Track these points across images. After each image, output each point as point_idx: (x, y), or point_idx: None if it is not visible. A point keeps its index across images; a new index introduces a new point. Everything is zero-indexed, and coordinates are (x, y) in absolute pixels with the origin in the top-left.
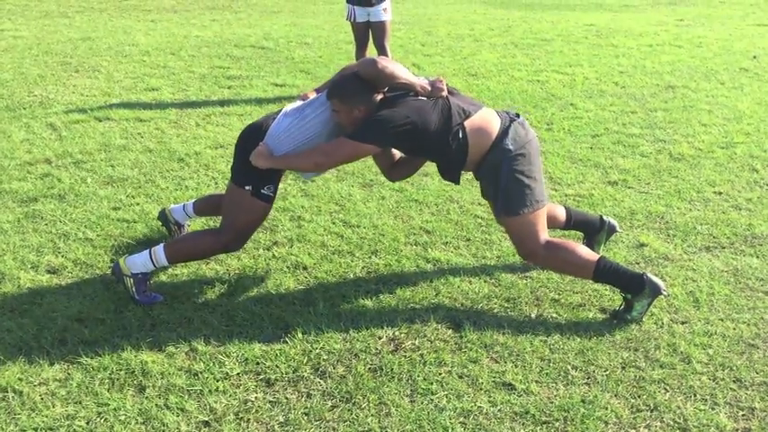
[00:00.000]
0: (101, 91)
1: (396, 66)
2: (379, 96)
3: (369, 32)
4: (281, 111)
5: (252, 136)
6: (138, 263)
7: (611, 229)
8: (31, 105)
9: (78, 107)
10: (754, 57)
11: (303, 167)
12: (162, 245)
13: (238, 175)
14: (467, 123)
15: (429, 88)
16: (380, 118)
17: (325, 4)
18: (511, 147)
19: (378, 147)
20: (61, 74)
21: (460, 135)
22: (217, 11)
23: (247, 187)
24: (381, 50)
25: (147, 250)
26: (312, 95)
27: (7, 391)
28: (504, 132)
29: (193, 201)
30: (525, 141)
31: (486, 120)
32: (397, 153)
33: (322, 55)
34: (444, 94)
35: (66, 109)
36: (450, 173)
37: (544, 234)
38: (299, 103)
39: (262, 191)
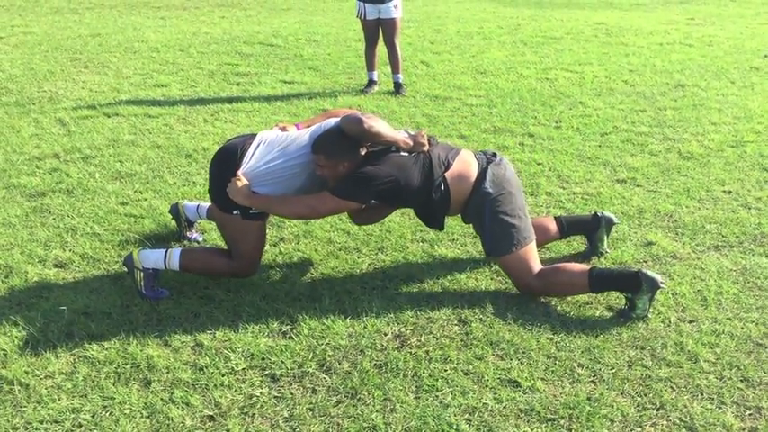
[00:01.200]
0: (110, 87)
1: (380, 124)
2: (363, 151)
3: (379, 30)
4: (254, 135)
5: (227, 161)
6: (151, 259)
7: (609, 223)
8: (41, 101)
9: (87, 103)
10: (765, 56)
11: (284, 215)
12: (179, 251)
13: (220, 201)
14: (447, 175)
15: (411, 143)
16: (364, 176)
17: (334, 2)
18: (490, 190)
19: (361, 203)
20: (71, 70)
21: (442, 187)
22: (226, 8)
23: (235, 212)
24: (391, 47)
25: (164, 250)
26: (291, 128)
27: (14, 384)
28: (482, 176)
29: (208, 205)
30: (504, 181)
31: (465, 164)
32: None
33: (330, 52)
34: (426, 149)
35: (75, 105)
36: (433, 222)
37: (536, 266)
38: (275, 131)
39: (250, 211)
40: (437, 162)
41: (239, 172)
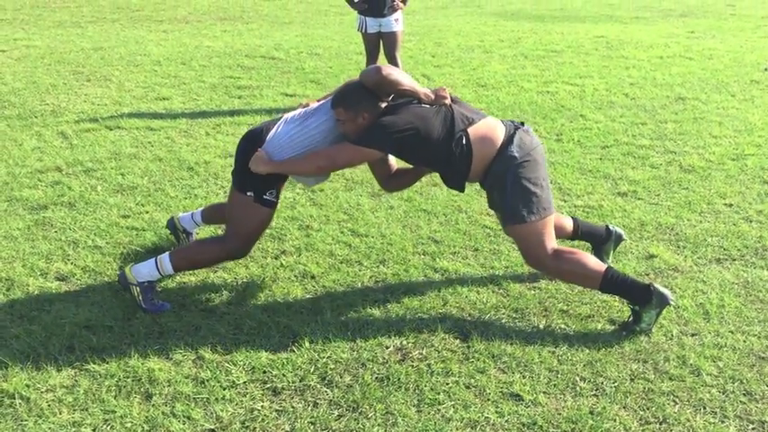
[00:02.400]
0: (112, 100)
1: (399, 73)
2: (383, 104)
3: (380, 43)
4: (281, 117)
5: (252, 141)
6: (143, 272)
7: (618, 238)
8: (43, 114)
9: (89, 116)
10: (766, 69)
11: (305, 171)
12: (167, 253)
13: (239, 180)
14: (470, 130)
15: (432, 96)
16: (383, 123)
17: (335, 15)
18: (516, 154)
19: (380, 151)
20: (73, 83)
21: (464, 142)
22: (228, 21)
23: (249, 193)
24: (392, 61)
25: (153, 259)
26: (314, 104)
27: (14, 398)
28: (509, 140)
29: (201, 209)
30: (531, 148)
31: (491, 128)
32: (393, 164)
33: (332, 66)
34: (447, 101)
35: (77, 118)
36: (454, 181)
37: (552, 243)
38: (300, 110)
39: (264, 196)
40: (459, 117)
41: (261, 148)
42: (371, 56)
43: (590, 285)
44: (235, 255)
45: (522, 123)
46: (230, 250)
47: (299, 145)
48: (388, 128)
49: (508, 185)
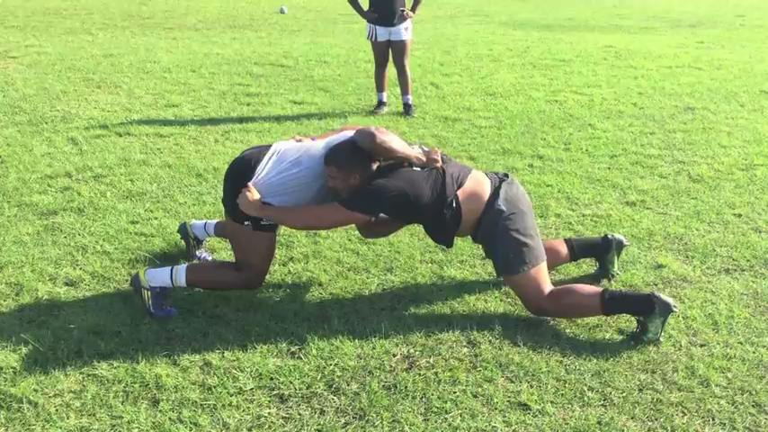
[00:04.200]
0: (122, 107)
1: (393, 139)
2: (375, 165)
3: (389, 52)
4: (270, 147)
5: (241, 172)
6: (157, 277)
7: (620, 245)
8: (54, 120)
9: (99, 122)
10: None
11: (291, 225)
12: (184, 266)
13: (233, 212)
14: (459, 192)
15: (424, 159)
16: (374, 189)
17: (344, 24)
18: (504, 207)
19: (370, 216)
20: (83, 89)
21: (454, 205)
22: (238, 29)
23: (246, 223)
24: (401, 69)
25: (169, 268)
26: (306, 141)
27: (23, 402)
28: (495, 194)
29: (216, 221)
30: (516, 200)
31: (478, 183)
32: None
33: (341, 73)
34: (439, 164)
35: (87, 124)
36: (443, 238)
37: (548, 287)
38: (291, 142)
39: (261, 222)
40: (450, 180)
41: (250, 183)
42: (380, 64)
43: (593, 313)
44: (251, 286)
45: (507, 175)
46: (246, 280)
47: (290, 186)
48: (379, 194)
49: (498, 239)
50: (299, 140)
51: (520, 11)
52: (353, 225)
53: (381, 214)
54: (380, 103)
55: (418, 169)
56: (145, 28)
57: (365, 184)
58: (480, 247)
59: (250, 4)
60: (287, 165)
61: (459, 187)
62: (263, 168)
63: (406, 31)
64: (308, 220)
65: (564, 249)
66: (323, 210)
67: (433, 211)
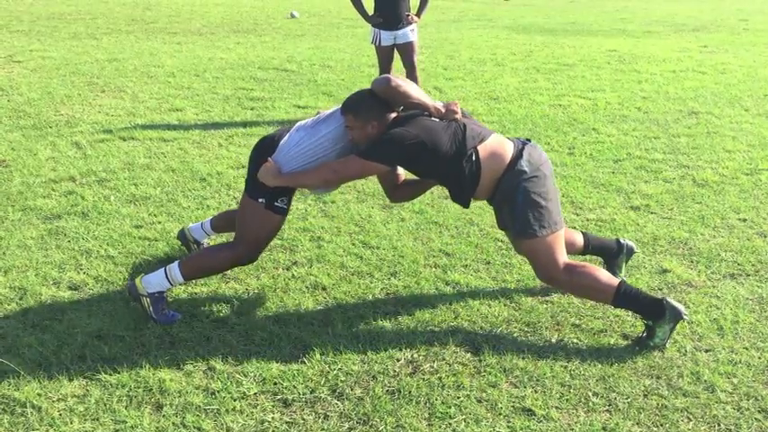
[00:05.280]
0: (126, 111)
1: (410, 85)
2: (393, 115)
3: (393, 56)
4: (295, 125)
5: (264, 149)
6: (153, 282)
7: (630, 251)
8: (58, 124)
9: (103, 127)
10: None
11: (311, 184)
12: (177, 262)
13: (251, 187)
14: (480, 147)
15: (443, 110)
16: (390, 136)
17: (347, 29)
18: (526, 168)
19: (387, 165)
20: (87, 94)
21: (474, 159)
22: (241, 34)
23: (261, 200)
24: (411, 69)
25: (162, 269)
26: (326, 112)
27: (26, 407)
28: (518, 155)
29: (210, 218)
30: (539, 163)
31: (500, 144)
32: (401, 174)
33: (344, 78)
34: (458, 116)
35: (91, 128)
36: (461, 197)
37: (563, 257)
38: (313, 118)
39: (275, 203)
40: (471, 133)
41: (271, 158)
42: (384, 69)
43: (602, 300)
44: (243, 260)
45: (529, 140)
46: (239, 256)
47: (309, 153)
48: (396, 141)
49: (518, 200)
50: (322, 115)
51: (524, 15)
52: (357, 227)
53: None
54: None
55: (437, 120)
56: (149, 32)
57: (381, 134)
58: (494, 213)
59: (254, 9)
60: (304, 134)
61: (480, 142)
62: (284, 141)
63: (412, 32)
64: (325, 174)
65: (580, 240)
66: (339, 163)
67: (451, 162)
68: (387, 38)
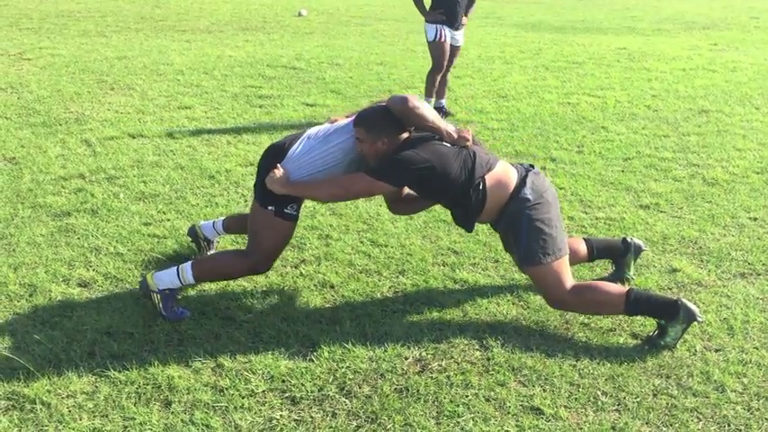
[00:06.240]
0: (135, 108)
1: (426, 108)
2: (405, 134)
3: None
4: (305, 132)
5: (273, 156)
6: (164, 279)
7: (638, 249)
8: (67, 122)
9: (113, 124)
10: None
11: (318, 197)
12: (190, 263)
13: (261, 194)
14: (488, 176)
15: (455, 136)
16: (401, 158)
17: (356, 26)
18: (530, 196)
19: (395, 186)
20: (97, 91)
21: (481, 187)
22: (250, 32)
23: (270, 207)
24: (447, 72)
25: (175, 267)
26: (340, 120)
27: (36, 403)
28: (521, 182)
29: (223, 218)
30: (543, 190)
31: (506, 171)
32: (405, 189)
33: (353, 76)
34: (469, 144)
35: (100, 126)
36: (465, 222)
37: (569, 281)
38: (326, 125)
39: (285, 210)
40: (480, 162)
41: (280, 164)
42: (440, 66)
43: (615, 311)
44: (257, 270)
45: (532, 166)
46: (252, 265)
47: (319, 162)
48: (406, 164)
49: (523, 227)
50: (333, 121)
51: (533, 13)
52: (366, 225)
53: (407, 189)
54: (441, 111)
55: (448, 145)
56: (158, 30)
57: (393, 153)
58: (499, 237)
59: (262, 7)
60: (316, 143)
61: (488, 171)
62: (295, 150)
63: (461, 37)
64: (333, 189)
65: (583, 248)
66: (348, 179)
67: (459, 189)
68: (449, 35)
